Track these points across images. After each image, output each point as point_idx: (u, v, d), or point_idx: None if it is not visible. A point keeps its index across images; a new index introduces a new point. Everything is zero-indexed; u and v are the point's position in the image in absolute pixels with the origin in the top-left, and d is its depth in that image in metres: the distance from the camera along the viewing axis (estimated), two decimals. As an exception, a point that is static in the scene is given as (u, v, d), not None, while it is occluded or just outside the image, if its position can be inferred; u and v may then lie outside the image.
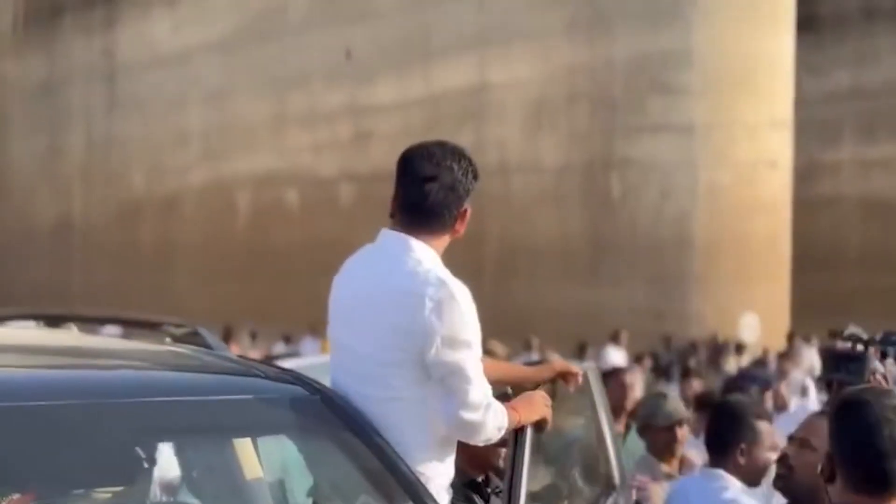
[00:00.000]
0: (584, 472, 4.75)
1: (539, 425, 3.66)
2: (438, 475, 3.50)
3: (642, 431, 5.67)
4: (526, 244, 19.05)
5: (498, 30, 19.30)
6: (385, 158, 20.95)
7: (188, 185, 24.53)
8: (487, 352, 13.49)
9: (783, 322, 18.56)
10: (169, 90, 24.89)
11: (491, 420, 3.46)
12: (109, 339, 4.25)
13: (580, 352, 15.22)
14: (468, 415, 3.41)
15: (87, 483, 3.24)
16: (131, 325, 4.65)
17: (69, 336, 4.20)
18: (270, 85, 22.81)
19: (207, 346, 3.91)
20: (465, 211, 3.55)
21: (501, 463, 3.85)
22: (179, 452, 3.65)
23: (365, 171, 21.17)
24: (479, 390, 3.43)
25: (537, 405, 3.66)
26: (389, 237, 3.51)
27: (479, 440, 3.51)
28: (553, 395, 3.88)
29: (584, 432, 4.82)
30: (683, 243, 18.09)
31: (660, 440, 5.49)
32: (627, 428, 6.46)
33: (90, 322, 4.78)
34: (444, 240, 3.57)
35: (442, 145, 3.58)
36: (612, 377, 6.73)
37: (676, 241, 18.09)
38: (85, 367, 3.66)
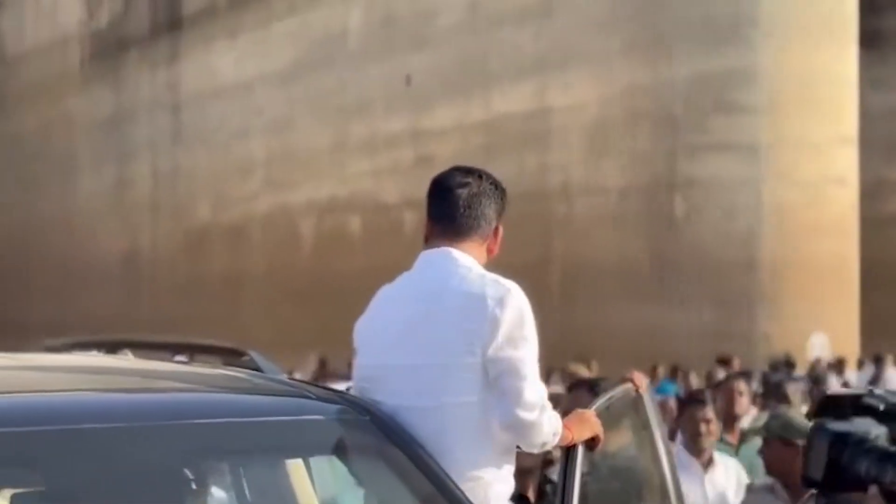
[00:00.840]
0: (639, 493, 4.66)
1: (590, 444, 3.60)
2: (498, 481, 3.46)
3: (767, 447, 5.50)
4: (590, 266, 18.86)
5: (557, 53, 19.17)
6: (447, 184, 20.86)
7: (252, 214, 24.61)
8: (571, 375, 13.23)
9: (852, 342, 18.22)
10: (232, 121, 25.04)
11: (547, 422, 3.42)
12: (161, 363, 4.18)
13: (652, 373, 15.03)
14: (524, 414, 3.37)
15: None
16: (181, 350, 4.60)
17: (123, 361, 4.18)
18: (332, 113, 22.83)
19: (258, 369, 3.84)
20: (498, 228, 3.57)
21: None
22: (230, 474, 3.60)
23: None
24: (535, 389, 3.41)
25: (589, 424, 3.61)
26: (431, 255, 3.54)
27: (536, 443, 3.47)
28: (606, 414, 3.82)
29: (639, 452, 4.73)
30: (749, 263, 17.82)
31: (786, 457, 5.30)
32: (741, 439, 6.52)
33: (143, 348, 4.73)
34: (482, 252, 3.59)
35: (468, 167, 3.63)
36: (723, 385, 6.73)
37: (742, 261, 17.83)
38: (136, 391, 3.63)
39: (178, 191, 26.29)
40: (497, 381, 3.39)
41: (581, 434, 3.57)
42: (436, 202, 3.53)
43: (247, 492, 3.58)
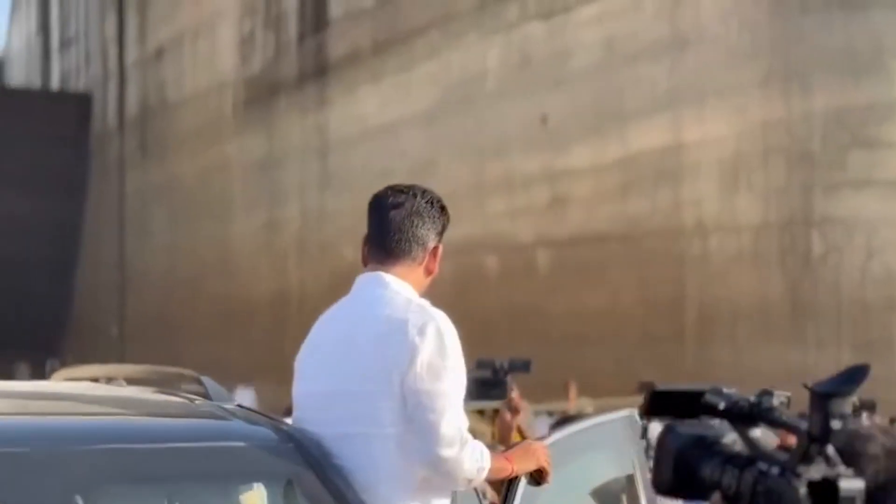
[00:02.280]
0: None
1: (537, 477, 3.50)
2: None
3: None
4: (725, 306, 18.33)
5: (692, 87, 18.80)
6: (582, 223, 20.89)
7: (394, 255, 24.72)
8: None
9: None
10: (376, 163, 25.22)
11: (468, 458, 3.31)
12: (117, 389, 4.12)
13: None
14: (441, 450, 3.26)
15: None
16: (139, 378, 4.55)
17: (84, 388, 4.10)
18: (470, 153, 22.83)
19: (207, 396, 3.72)
20: (437, 247, 3.54)
21: None
22: (149, 499, 3.42)
23: (561, 236, 20.91)
24: (453, 424, 3.30)
25: (534, 456, 3.50)
26: (362, 279, 3.51)
27: (459, 480, 3.36)
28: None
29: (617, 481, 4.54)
30: (890, 304, 17.05)
31: None
32: None
33: (105, 375, 4.69)
34: (419, 275, 3.53)
35: (404, 185, 3.59)
36: None
37: (882, 301, 17.07)
38: (49, 415, 3.58)
39: (325, 232, 26.60)
40: (414, 415, 3.28)
41: (524, 466, 3.45)
42: (371, 223, 3.51)
43: None
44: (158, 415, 3.59)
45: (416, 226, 3.51)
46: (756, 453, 2.04)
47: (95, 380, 4.23)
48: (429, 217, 3.53)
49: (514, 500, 3.41)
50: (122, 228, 36.07)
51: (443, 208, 3.59)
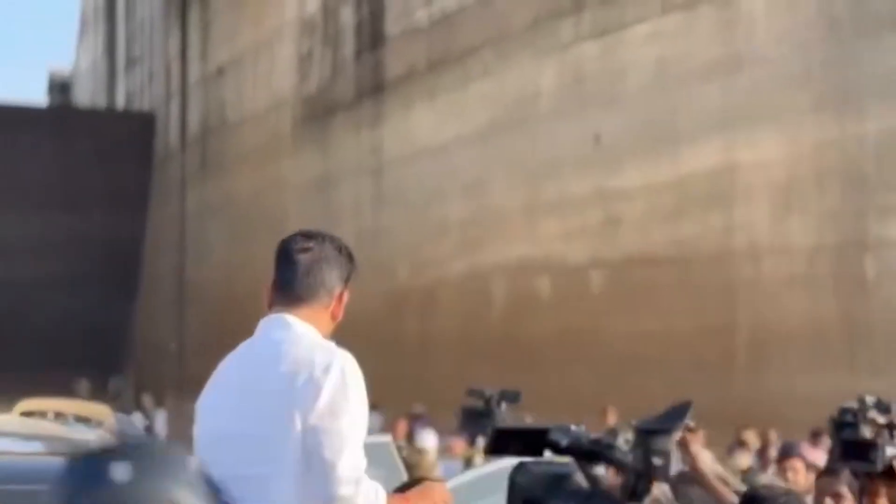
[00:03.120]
0: None
1: None
2: None
3: None
4: (777, 330, 18.12)
5: (745, 109, 18.64)
6: (634, 244, 20.77)
7: (446, 275, 24.73)
8: (741, 443, 12.75)
9: None
10: (429, 183, 25.33)
11: (363, 497, 3.32)
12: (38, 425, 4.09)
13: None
14: (339, 490, 3.28)
15: None
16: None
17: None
18: (523, 173, 22.80)
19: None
20: (343, 293, 3.60)
21: None
22: None
23: (615, 257, 20.80)
24: (351, 463, 3.32)
25: (432, 496, 3.51)
26: (268, 321, 3.54)
27: None
28: None
29: None
30: (947, 329, 16.78)
31: None
32: None
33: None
34: (324, 319, 3.58)
35: (313, 231, 3.67)
36: None
37: (939, 326, 16.81)
38: None
39: (379, 252, 26.65)
40: (313, 453, 3.29)
41: None
42: (278, 267, 3.54)
43: None
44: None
45: (324, 271, 3.56)
46: (594, 489, 2.10)
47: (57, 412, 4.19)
48: (336, 263, 3.58)
49: None
50: (181, 245, 36.46)
51: (349, 256, 3.65)
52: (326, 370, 3.34)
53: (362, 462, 3.38)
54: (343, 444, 3.32)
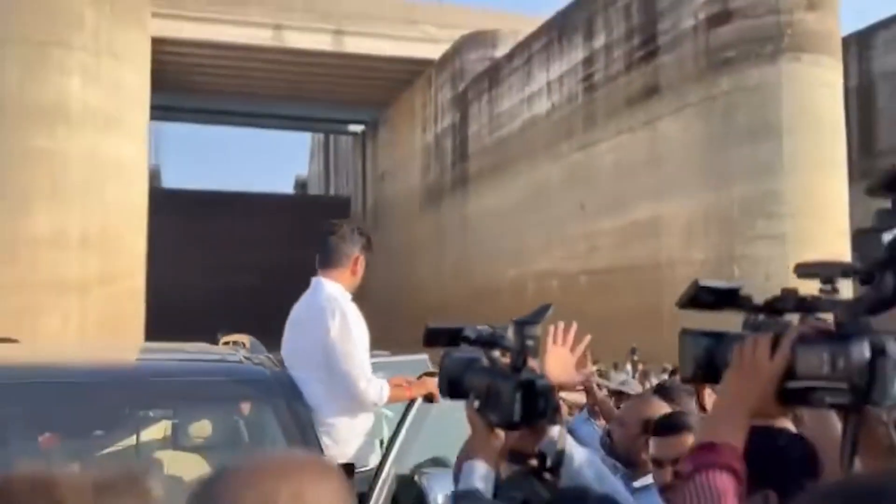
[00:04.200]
0: None
1: (429, 398, 3.16)
2: (345, 427, 3.06)
3: None
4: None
5: (663, 186, 18.15)
6: (605, 260, 20.23)
7: (502, 280, 24.28)
8: (665, 370, 11.85)
9: None
10: (492, 230, 25.14)
11: (373, 390, 3.03)
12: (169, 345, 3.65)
13: None
14: (354, 386, 3.01)
15: (87, 433, 2.82)
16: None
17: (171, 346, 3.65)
18: (542, 224, 22.51)
19: (250, 348, 3.32)
20: (358, 258, 3.19)
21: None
22: (171, 415, 3.03)
23: (594, 268, 20.34)
24: (358, 370, 3.01)
25: (425, 385, 3.17)
26: (312, 282, 3.20)
27: (368, 403, 3.07)
28: None
29: None
30: None
31: None
32: None
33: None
34: (346, 276, 3.18)
35: (343, 220, 3.28)
36: None
37: None
38: (122, 362, 3.18)
39: (466, 268, 26.51)
40: (334, 367, 3.01)
41: (418, 391, 3.16)
42: (319, 246, 3.20)
43: (179, 427, 3.04)
44: (198, 359, 3.23)
45: (343, 246, 3.19)
46: (493, 368, 1.84)
47: (236, 342, 3.82)
48: (351, 240, 3.19)
49: (409, 412, 3.07)
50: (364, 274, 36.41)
51: (361, 233, 3.24)
52: (333, 313, 3.03)
53: (368, 368, 3.05)
54: (350, 357, 3.01)
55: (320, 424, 2.91)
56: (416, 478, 2.88)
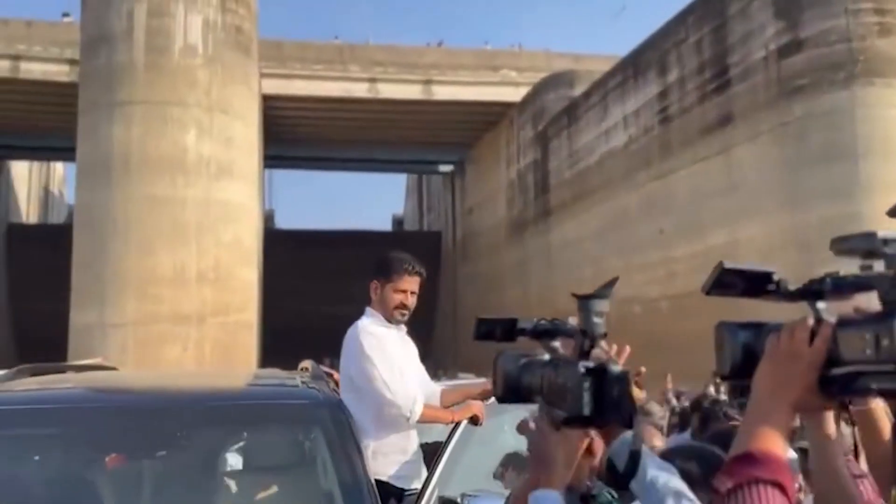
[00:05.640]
0: None
1: (473, 420, 3.08)
2: (387, 447, 3.02)
3: None
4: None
5: (738, 212, 17.45)
6: (683, 286, 19.56)
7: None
8: None
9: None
10: (573, 258, 24.74)
11: (403, 405, 3.00)
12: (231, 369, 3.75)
13: None
14: (383, 403, 3.01)
15: (154, 452, 2.76)
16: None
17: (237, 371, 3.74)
18: (622, 251, 21.95)
19: (312, 374, 3.30)
20: (374, 286, 3.23)
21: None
22: (226, 437, 2.95)
23: (673, 293, 19.70)
24: (386, 388, 3.01)
25: (469, 408, 3.11)
26: None
27: (400, 420, 3.02)
28: None
29: None
30: None
31: None
32: None
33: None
34: (375, 305, 3.22)
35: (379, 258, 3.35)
36: None
37: None
38: (183, 388, 3.17)
39: (549, 294, 26.03)
40: (363, 387, 3.02)
41: (462, 415, 3.09)
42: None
43: (241, 450, 2.97)
44: (257, 384, 3.21)
45: (370, 280, 3.25)
46: (554, 357, 1.49)
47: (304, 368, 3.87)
48: (374, 273, 3.24)
49: (454, 435, 3.04)
50: (454, 296, 36.46)
51: (379, 265, 3.25)
52: (352, 340, 3.11)
53: (396, 384, 3.01)
54: (376, 379, 3.02)
55: (364, 446, 2.85)
56: (459, 500, 2.77)
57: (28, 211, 40.81)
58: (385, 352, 3.09)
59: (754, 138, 17.30)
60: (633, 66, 22.52)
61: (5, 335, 31.72)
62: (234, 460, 2.85)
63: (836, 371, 0.99)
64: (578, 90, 26.23)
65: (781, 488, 0.92)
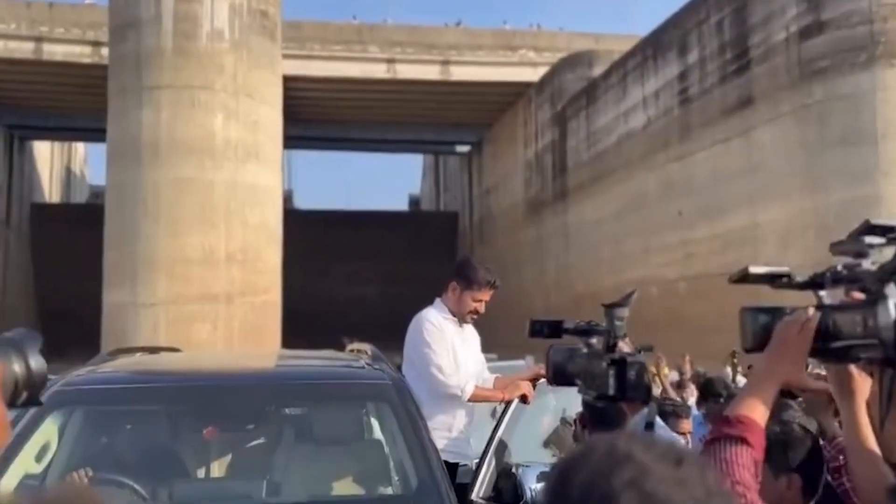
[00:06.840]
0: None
1: (523, 399, 3.31)
2: (442, 423, 3.26)
3: None
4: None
5: (759, 193, 17.48)
6: (701, 267, 19.65)
7: (602, 288, 23.94)
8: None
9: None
10: (591, 239, 24.85)
11: (455, 386, 3.26)
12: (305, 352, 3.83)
13: None
14: (444, 385, 3.27)
15: (242, 426, 3.02)
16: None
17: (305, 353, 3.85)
18: (640, 233, 22.04)
19: (371, 356, 3.47)
20: (453, 286, 3.51)
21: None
22: (312, 412, 3.18)
23: (691, 275, 19.79)
24: (441, 369, 3.28)
25: (518, 388, 3.33)
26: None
27: (451, 395, 3.27)
28: None
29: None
30: None
31: None
32: None
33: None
34: (447, 300, 3.49)
35: (466, 258, 3.62)
36: None
37: None
38: (265, 368, 3.46)
39: (566, 276, 26.35)
40: (421, 369, 3.30)
41: (512, 394, 3.31)
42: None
43: (313, 424, 3.15)
44: (328, 365, 3.40)
45: (451, 275, 3.53)
46: (590, 350, 1.99)
47: (360, 350, 3.89)
48: (454, 276, 3.53)
49: (507, 412, 3.22)
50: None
51: (457, 270, 3.49)
52: (416, 326, 3.37)
53: (450, 367, 3.27)
54: (433, 362, 3.29)
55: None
56: (513, 469, 2.99)
57: (50, 191, 41.30)
58: (443, 340, 3.36)
59: (775, 120, 17.30)
60: (653, 47, 22.43)
61: (30, 311, 32.38)
62: (313, 434, 3.07)
63: (835, 344, 1.27)
64: (597, 70, 26.12)
65: (747, 443, 1.18)
